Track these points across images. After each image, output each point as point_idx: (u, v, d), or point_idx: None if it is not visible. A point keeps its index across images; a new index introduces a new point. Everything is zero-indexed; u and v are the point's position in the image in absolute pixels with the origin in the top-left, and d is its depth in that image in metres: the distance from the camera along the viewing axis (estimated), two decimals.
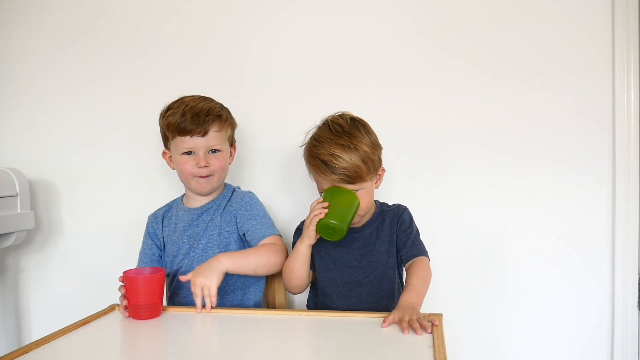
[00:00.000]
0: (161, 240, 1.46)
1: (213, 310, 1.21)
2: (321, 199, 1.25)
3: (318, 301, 1.38)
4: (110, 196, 1.78)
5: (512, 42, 1.57)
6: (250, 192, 1.49)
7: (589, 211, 1.56)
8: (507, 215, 1.59)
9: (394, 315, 1.06)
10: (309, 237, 1.26)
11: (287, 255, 1.36)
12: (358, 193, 1.25)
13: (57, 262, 1.83)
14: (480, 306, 1.62)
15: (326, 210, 1.21)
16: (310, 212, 1.25)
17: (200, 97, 1.40)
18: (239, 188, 1.51)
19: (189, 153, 1.36)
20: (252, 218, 1.40)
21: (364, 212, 1.29)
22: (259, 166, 1.70)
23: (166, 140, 1.42)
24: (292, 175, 1.67)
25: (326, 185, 1.27)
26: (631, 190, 1.53)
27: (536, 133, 1.57)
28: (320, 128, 1.31)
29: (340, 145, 1.23)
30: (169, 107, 1.38)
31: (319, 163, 1.24)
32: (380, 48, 1.63)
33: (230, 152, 1.46)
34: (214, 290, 1.18)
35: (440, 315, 1.08)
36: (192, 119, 1.33)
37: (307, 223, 1.25)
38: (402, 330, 1.01)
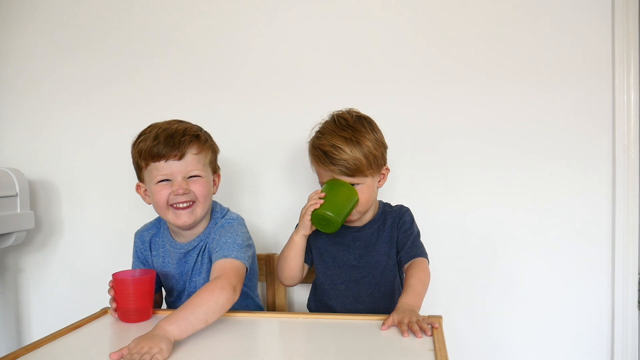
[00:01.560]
0: (152, 266, 1.35)
1: None
2: (320, 190, 1.25)
3: (317, 299, 1.39)
4: (110, 196, 1.78)
5: (512, 43, 1.57)
6: (235, 219, 1.31)
7: (589, 211, 1.56)
8: (508, 216, 1.59)
9: (394, 317, 1.06)
10: (304, 227, 1.26)
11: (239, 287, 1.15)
12: (358, 188, 1.25)
13: (57, 262, 1.83)
14: (481, 307, 1.62)
15: (322, 201, 1.21)
16: (308, 201, 1.25)
17: (174, 120, 1.27)
18: (229, 212, 1.34)
19: (165, 181, 1.21)
20: (221, 243, 1.20)
21: (363, 208, 1.28)
22: (265, 164, 1.70)
23: (139, 171, 1.26)
24: (297, 173, 1.67)
25: (327, 177, 1.27)
26: (631, 190, 1.53)
27: (536, 133, 1.57)
28: (325, 122, 1.31)
29: (343, 137, 1.22)
30: (141, 133, 1.25)
31: (320, 153, 1.24)
32: (384, 48, 1.62)
33: (213, 180, 1.31)
34: (165, 354, 0.91)
35: (440, 317, 1.07)
36: (165, 140, 1.18)
37: (302, 212, 1.25)
38: (402, 333, 1.00)
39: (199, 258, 1.28)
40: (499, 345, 1.62)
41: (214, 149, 1.30)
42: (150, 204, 1.27)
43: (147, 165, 1.22)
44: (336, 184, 1.23)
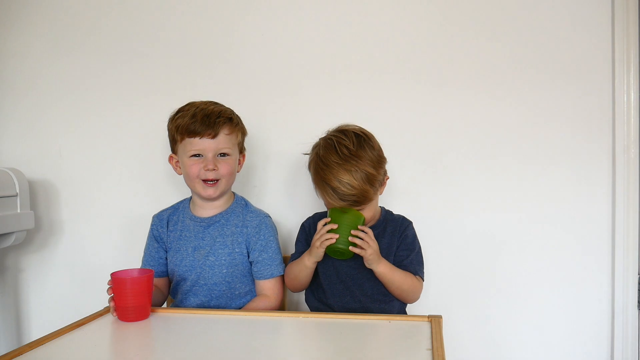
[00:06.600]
0: (166, 244, 1.43)
1: (212, 311, 1.21)
2: (329, 219, 1.26)
3: (315, 297, 1.39)
4: (110, 196, 1.78)
5: (512, 44, 1.57)
6: (267, 217, 1.43)
7: (589, 211, 1.56)
8: (507, 216, 1.59)
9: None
10: (317, 256, 1.28)
11: (276, 302, 1.39)
12: (364, 208, 1.29)
13: (57, 262, 1.83)
14: (480, 307, 1.62)
15: (336, 235, 1.23)
16: (318, 231, 1.26)
17: (210, 101, 1.38)
18: (250, 203, 1.46)
19: (197, 156, 1.33)
20: (266, 251, 1.38)
21: (368, 221, 1.33)
22: (270, 163, 1.70)
23: (174, 144, 1.38)
24: (301, 175, 1.66)
25: (333, 204, 1.29)
26: (631, 191, 1.53)
27: (536, 134, 1.57)
28: (326, 148, 1.29)
29: (347, 170, 1.24)
30: (179, 110, 1.36)
31: (328, 189, 1.26)
32: (386, 53, 1.62)
33: (239, 159, 1.42)
34: None
35: (440, 317, 1.07)
36: (202, 120, 1.30)
37: (316, 244, 1.26)
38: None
39: (219, 237, 1.37)
40: (499, 346, 1.62)
41: (243, 132, 1.42)
42: (180, 174, 1.40)
43: (182, 139, 1.33)
44: (343, 212, 1.26)
